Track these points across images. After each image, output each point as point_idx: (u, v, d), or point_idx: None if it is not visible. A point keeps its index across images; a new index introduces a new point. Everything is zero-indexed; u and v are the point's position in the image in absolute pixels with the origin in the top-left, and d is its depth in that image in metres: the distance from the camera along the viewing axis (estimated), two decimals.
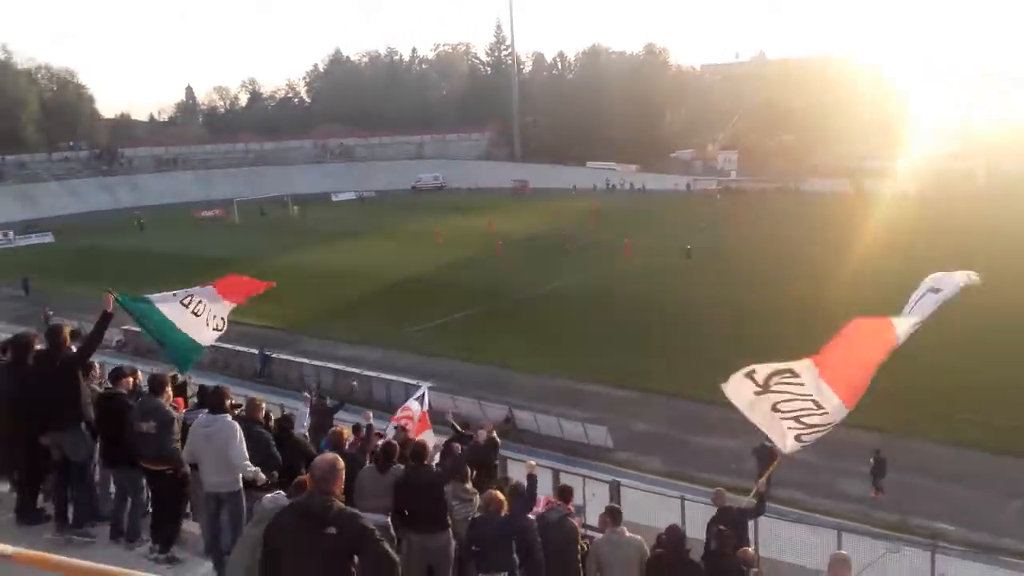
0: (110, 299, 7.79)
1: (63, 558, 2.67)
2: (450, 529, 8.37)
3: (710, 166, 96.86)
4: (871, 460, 19.55)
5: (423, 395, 14.59)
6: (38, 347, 7.86)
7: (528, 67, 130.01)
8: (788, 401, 7.61)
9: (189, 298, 9.06)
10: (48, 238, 70.33)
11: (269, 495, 6.55)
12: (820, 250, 46.10)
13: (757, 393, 7.64)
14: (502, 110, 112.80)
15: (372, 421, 12.21)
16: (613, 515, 8.44)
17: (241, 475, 7.43)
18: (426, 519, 8.20)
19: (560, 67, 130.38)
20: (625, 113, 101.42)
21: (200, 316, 9.11)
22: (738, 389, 7.68)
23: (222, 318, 9.48)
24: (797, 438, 7.68)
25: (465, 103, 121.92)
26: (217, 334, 9.57)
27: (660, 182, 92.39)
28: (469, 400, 25.12)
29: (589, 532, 10.99)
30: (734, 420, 8.74)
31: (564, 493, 9.12)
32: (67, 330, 7.89)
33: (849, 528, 15.74)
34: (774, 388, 7.69)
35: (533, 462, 9.95)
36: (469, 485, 9.03)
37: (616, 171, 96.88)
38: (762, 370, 7.67)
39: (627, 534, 8.24)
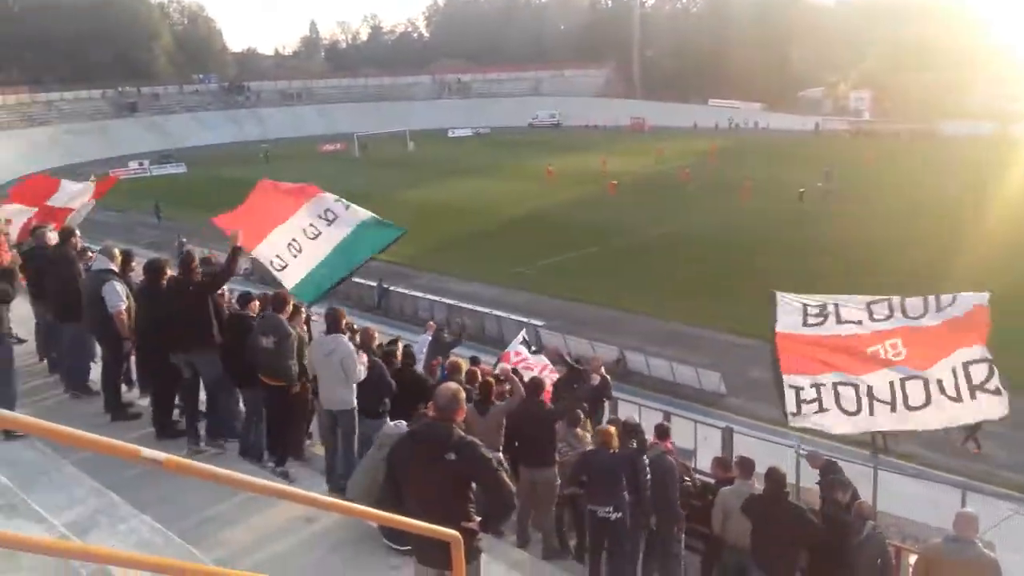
0: (239, 234, 8.15)
1: (207, 466, 2.82)
2: (556, 466, 8.48)
3: (841, 106, 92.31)
4: None
5: (524, 339, 14.51)
6: (171, 273, 8.29)
7: (650, 0, 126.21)
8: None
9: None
10: (181, 168, 73.58)
11: (392, 422, 6.80)
12: (952, 198, 43.54)
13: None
14: (621, 45, 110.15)
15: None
16: (744, 466, 8.33)
17: (355, 395, 7.67)
18: (535, 453, 8.34)
19: (684, 0, 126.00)
20: (751, 49, 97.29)
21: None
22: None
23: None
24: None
25: (583, 38, 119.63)
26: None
27: (786, 122, 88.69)
28: (580, 340, 25.15)
29: (700, 476, 10.92)
30: None
31: (661, 431, 9.08)
32: (198, 256, 8.23)
33: (974, 487, 15.06)
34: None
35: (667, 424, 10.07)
36: (579, 431, 9.07)
37: (739, 109, 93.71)
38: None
39: (756, 486, 8.15)
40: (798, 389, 8.85)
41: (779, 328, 9.08)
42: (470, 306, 29.25)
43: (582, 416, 9.53)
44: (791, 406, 8.92)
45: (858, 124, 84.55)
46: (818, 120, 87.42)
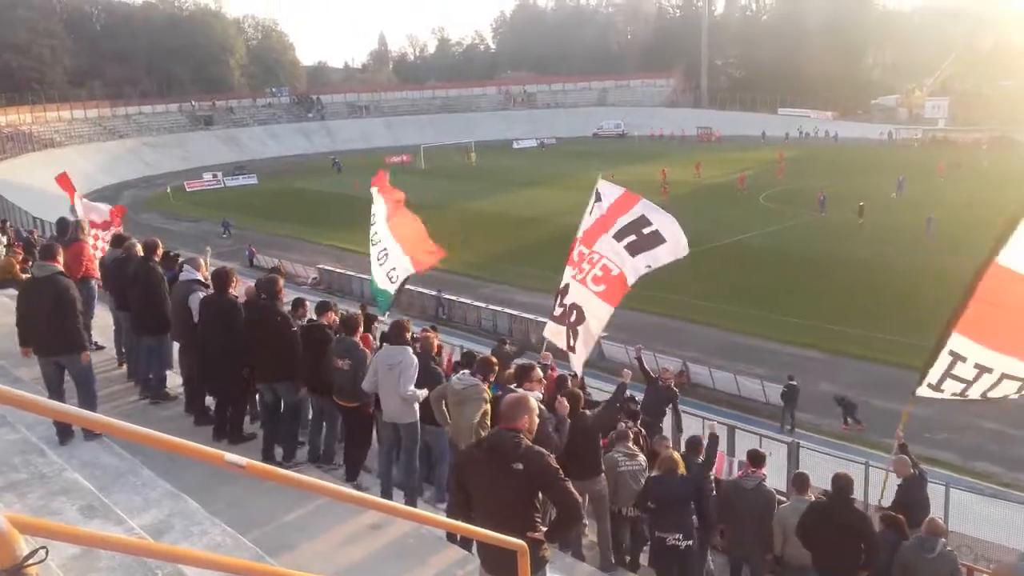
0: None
1: (287, 472, 2.90)
2: (603, 475, 8.43)
3: (916, 114, 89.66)
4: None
5: None
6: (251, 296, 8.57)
7: (719, 9, 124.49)
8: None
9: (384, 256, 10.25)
10: (253, 180, 75.10)
11: (458, 375, 7.42)
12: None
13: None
14: (689, 54, 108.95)
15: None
16: (798, 482, 8.20)
17: (417, 405, 7.68)
18: (582, 465, 8.24)
19: (754, 8, 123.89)
20: (823, 57, 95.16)
21: (383, 267, 10.30)
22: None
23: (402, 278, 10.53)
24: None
25: (651, 47, 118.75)
26: (393, 286, 10.67)
27: (858, 130, 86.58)
28: (645, 352, 24.84)
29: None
30: None
31: (756, 459, 8.80)
32: (280, 281, 8.38)
33: None
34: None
35: (715, 422, 9.85)
36: (631, 444, 8.97)
37: (810, 118, 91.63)
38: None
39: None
40: (957, 359, 7.22)
41: (1001, 259, 6.69)
42: (532, 316, 29.23)
43: (634, 429, 9.51)
44: (934, 376, 7.51)
45: (933, 132, 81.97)
46: (891, 129, 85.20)
